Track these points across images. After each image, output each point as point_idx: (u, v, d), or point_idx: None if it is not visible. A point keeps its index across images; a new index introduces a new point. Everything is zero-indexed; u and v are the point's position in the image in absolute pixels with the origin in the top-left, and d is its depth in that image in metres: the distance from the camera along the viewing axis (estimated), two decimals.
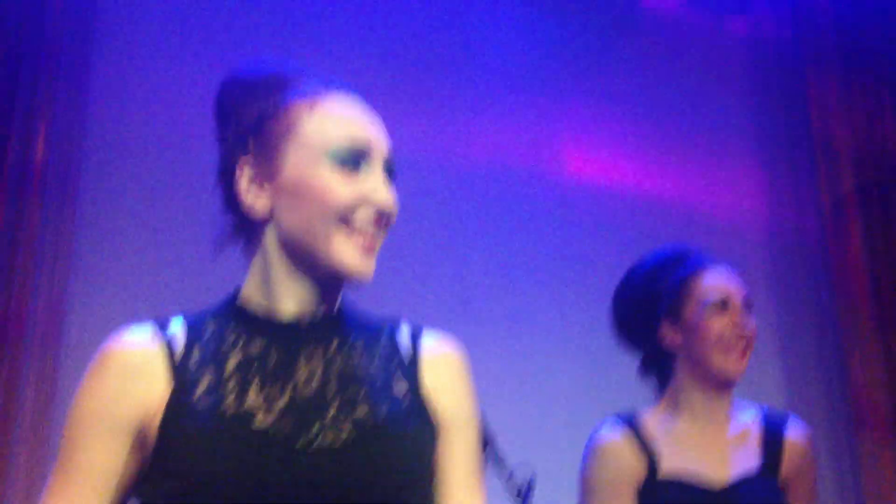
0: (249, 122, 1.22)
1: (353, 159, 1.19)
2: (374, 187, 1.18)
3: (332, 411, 1.15)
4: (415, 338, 1.28)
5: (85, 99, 3.04)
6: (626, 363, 2.13)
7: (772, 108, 3.78)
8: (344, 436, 1.13)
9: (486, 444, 2.27)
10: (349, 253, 1.16)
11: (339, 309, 1.26)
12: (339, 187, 1.17)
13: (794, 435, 1.91)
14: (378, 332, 1.27)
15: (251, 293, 1.23)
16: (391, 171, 1.23)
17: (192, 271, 2.74)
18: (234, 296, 1.25)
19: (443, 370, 1.26)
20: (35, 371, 2.79)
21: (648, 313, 1.94)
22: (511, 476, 2.21)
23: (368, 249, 1.18)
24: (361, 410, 1.16)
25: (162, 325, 1.22)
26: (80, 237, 2.93)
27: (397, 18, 3.43)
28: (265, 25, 3.28)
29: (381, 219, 1.19)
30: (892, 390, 3.35)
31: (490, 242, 3.40)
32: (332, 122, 1.20)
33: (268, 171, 1.20)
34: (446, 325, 3.09)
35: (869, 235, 3.53)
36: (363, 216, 1.17)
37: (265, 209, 1.20)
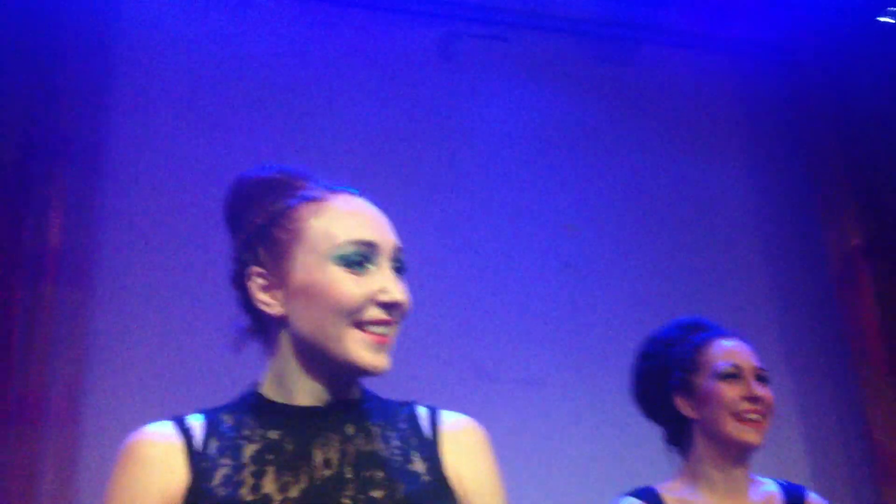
0: (257, 229, 1.27)
1: (360, 259, 1.22)
2: (383, 286, 1.22)
3: (348, 495, 1.16)
4: (433, 417, 1.30)
5: (99, 184, 3.09)
6: (648, 434, 2.13)
7: (771, 169, 3.82)
8: None
9: None
10: (362, 351, 1.20)
11: (361, 397, 1.29)
12: (347, 288, 1.20)
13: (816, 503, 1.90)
14: (395, 415, 1.29)
15: (268, 388, 1.27)
16: (400, 266, 1.27)
17: (209, 355, 2.76)
18: (252, 390, 1.29)
19: (464, 447, 1.27)
20: (53, 454, 2.79)
21: (663, 384, 1.95)
22: None
23: (381, 345, 1.21)
24: (379, 492, 1.17)
25: (180, 420, 1.26)
26: (96, 321, 2.96)
27: (397, 101, 3.49)
28: (278, 104, 3.34)
29: (392, 315, 1.22)
30: None
31: (504, 314, 3.41)
32: (338, 223, 1.24)
33: (278, 277, 1.24)
34: (463, 399, 3.14)
35: (879, 288, 3.53)
36: (373, 314, 1.21)
37: (279, 313, 1.25)
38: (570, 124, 3.66)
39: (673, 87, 3.83)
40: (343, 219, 1.24)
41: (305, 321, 1.22)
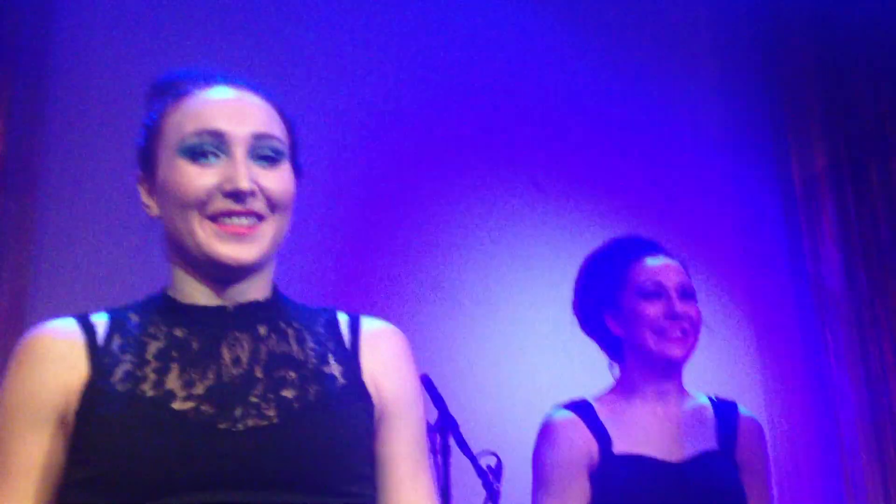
0: (139, 136, 1.27)
1: (205, 149, 1.19)
2: (228, 175, 1.18)
3: (257, 393, 1.14)
4: (353, 323, 1.27)
5: (44, 91, 3.02)
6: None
7: (741, 90, 3.77)
8: (270, 415, 1.12)
9: (451, 429, 2.27)
10: (215, 244, 1.17)
11: (270, 297, 1.26)
12: (188, 180, 1.18)
13: (747, 418, 1.93)
14: (313, 318, 1.26)
15: (173, 290, 1.25)
16: (268, 155, 1.21)
17: (152, 261, 2.71)
18: (159, 292, 1.27)
19: (384, 354, 1.25)
20: None
21: (594, 304, 1.97)
22: (477, 461, 2.22)
23: (238, 236, 1.17)
24: (289, 392, 1.15)
25: (83, 317, 1.22)
26: (41, 228, 2.91)
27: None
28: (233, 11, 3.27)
29: (247, 204, 1.18)
30: (869, 378, 3.34)
31: (472, 236, 3.39)
32: (188, 116, 1.21)
33: (151, 180, 1.25)
34: (418, 311, 3.14)
35: (841, 214, 3.52)
36: (220, 206, 1.17)
37: (156, 215, 1.25)
38: (540, 44, 3.60)
39: (646, 5, 3.76)
40: (194, 110, 1.21)
41: (168, 219, 1.21)
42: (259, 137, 1.21)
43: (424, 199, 3.39)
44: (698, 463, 1.83)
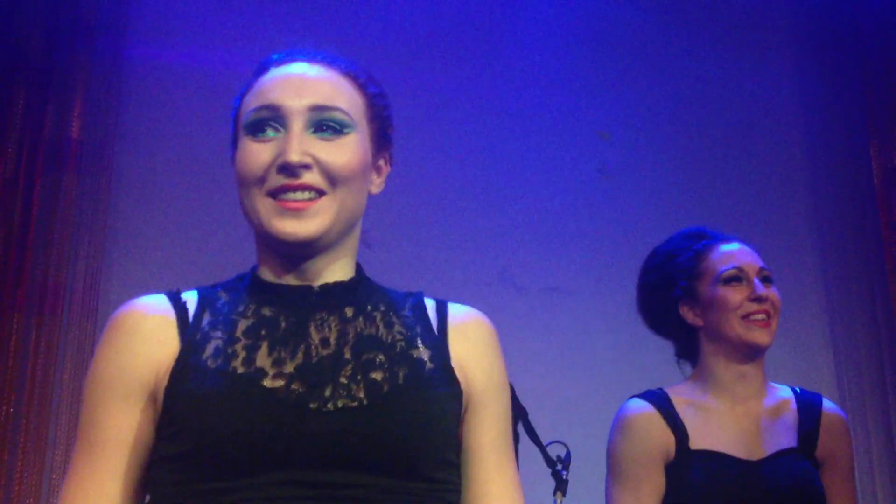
0: (230, 122, 1.27)
1: (262, 125, 1.18)
2: (281, 148, 1.16)
3: (346, 374, 1.13)
4: (441, 308, 1.25)
5: (121, 74, 3.06)
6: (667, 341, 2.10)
7: (820, 81, 3.67)
8: (360, 397, 1.11)
9: (520, 417, 2.25)
10: (273, 220, 1.16)
11: (355, 278, 1.24)
12: (249, 157, 1.17)
13: (831, 413, 1.87)
14: (400, 302, 1.25)
15: (261, 270, 1.24)
16: (329, 126, 1.18)
17: (227, 243, 2.75)
18: (248, 272, 1.26)
19: (472, 341, 1.23)
20: (73, 341, 2.82)
21: (667, 295, 1.94)
22: (546, 449, 2.19)
23: (295, 211, 1.15)
24: (378, 374, 1.14)
25: (174, 294, 1.22)
26: (117, 209, 2.96)
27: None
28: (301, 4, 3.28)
29: (301, 177, 1.15)
30: None
31: (533, 216, 3.37)
32: (253, 95, 1.21)
33: (233, 161, 1.24)
34: (486, 296, 3.13)
35: None
36: (276, 181, 1.16)
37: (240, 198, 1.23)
38: (613, 26, 3.56)
39: None
40: (259, 88, 1.21)
41: (240, 196, 1.20)
42: (318, 109, 1.18)
43: (492, 184, 3.38)
44: (776, 462, 1.78)
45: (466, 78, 3.39)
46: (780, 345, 3.22)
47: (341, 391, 1.11)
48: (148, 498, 1.15)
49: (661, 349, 2.15)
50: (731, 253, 1.89)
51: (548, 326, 3.29)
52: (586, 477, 2.12)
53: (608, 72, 3.52)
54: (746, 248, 1.92)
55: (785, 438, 1.82)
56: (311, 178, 1.16)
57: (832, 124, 3.64)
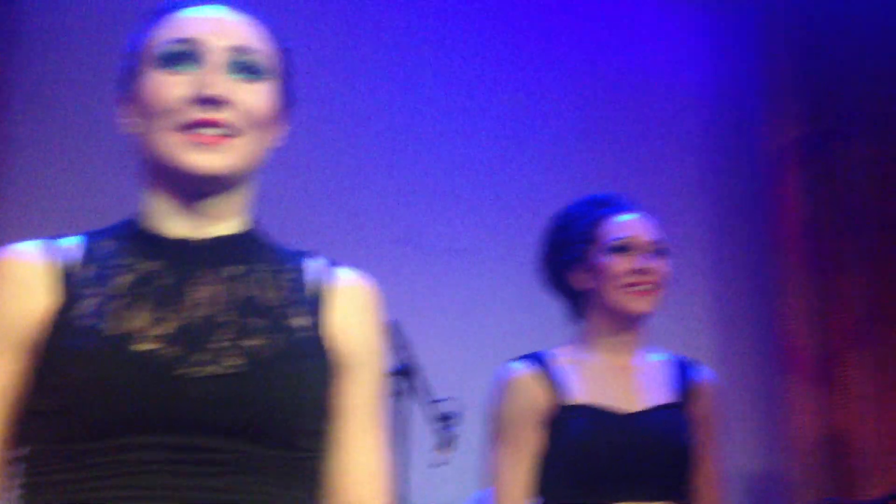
0: (122, 57, 1.23)
1: (178, 58, 1.16)
2: (201, 82, 1.14)
3: (220, 339, 1.12)
4: (325, 272, 1.24)
5: (19, 13, 2.98)
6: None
7: (723, 55, 3.78)
8: (230, 364, 1.11)
9: (412, 374, 2.31)
10: (183, 153, 1.13)
11: (243, 232, 1.23)
12: (162, 88, 1.14)
13: (704, 378, 1.97)
14: (286, 262, 1.24)
15: (145, 217, 1.21)
16: (248, 68, 1.17)
17: (125, 186, 2.72)
18: (132, 218, 1.23)
19: (352, 305, 1.23)
20: None
21: (560, 258, 2.00)
22: (434, 406, 2.26)
23: (208, 145, 1.13)
24: (252, 340, 1.13)
25: (53, 241, 1.18)
26: (13, 151, 2.89)
27: None
28: None
29: (220, 113, 1.13)
30: (821, 335, 3.44)
31: (436, 177, 3.40)
32: (165, 30, 1.18)
33: (131, 97, 1.20)
34: (389, 257, 3.16)
35: (808, 185, 3.58)
36: (192, 115, 1.13)
37: (133, 131, 1.20)
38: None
39: None
40: (173, 24, 1.18)
41: (144, 134, 1.17)
42: (238, 50, 1.17)
43: (396, 145, 3.40)
44: (652, 415, 1.87)
45: (369, 34, 3.39)
46: (666, 314, 3.36)
47: (211, 357, 1.11)
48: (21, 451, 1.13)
49: (561, 314, 2.22)
50: (626, 223, 1.95)
51: (450, 287, 3.34)
52: (482, 435, 2.18)
53: (509, 35, 3.56)
54: (643, 220, 1.98)
55: (662, 394, 1.91)
56: (229, 115, 1.14)
57: (731, 97, 3.76)
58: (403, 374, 2.27)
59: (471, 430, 2.30)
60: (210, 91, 1.13)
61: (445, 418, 2.24)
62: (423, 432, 2.37)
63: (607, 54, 3.66)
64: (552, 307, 2.21)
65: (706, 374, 1.99)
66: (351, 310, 1.23)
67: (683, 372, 1.97)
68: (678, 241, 3.43)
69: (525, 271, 3.08)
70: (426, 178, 3.39)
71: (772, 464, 3.47)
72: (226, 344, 1.12)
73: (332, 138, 3.29)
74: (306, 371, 1.15)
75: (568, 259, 1.98)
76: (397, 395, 2.27)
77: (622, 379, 1.92)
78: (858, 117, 3.67)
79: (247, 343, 1.13)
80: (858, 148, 3.64)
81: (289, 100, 1.26)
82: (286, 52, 1.26)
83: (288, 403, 1.11)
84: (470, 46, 3.53)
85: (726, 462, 3.38)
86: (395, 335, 2.26)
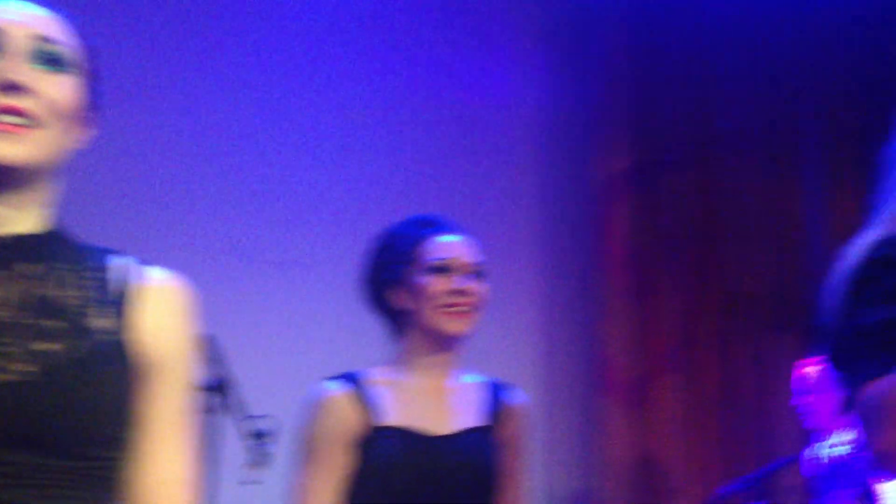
0: None
1: None
2: (3, 67, 1.11)
3: (9, 344, 1.07)
4: (132, 271, 1.20)
5: None
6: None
7: (555, 85, 3.89)
8: (19, 371, 1.06)
9: (227, 389, 2.27)
10: None
11: (49, 231, 1.18)
12: None
13: (515, 401, 2.02)
14: (90, 261, 1.19)
15: None
16: (50, 59, 1.15)
17: None
18: None
19: (160, 307, 1.19)
20: None
21: (382, 276, 2.02)
22: (248, 421, 2.23)
23: (6, 132, 1.09)
24: (47, 345, 1.09)
25: None
26: None
27: None
28: None
29: (21, 101, 1.10)
30: (637, 360, 3.59)
31: (267, 186, 3.37)
32: None
33: None
34: (215, 267, 3.09)
35: (633, 214, 3.73)
36: None
37: None
38: (356, 9, 3.59)
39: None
40: None
41: None
42: (42, 40, 1.15)
43: (224, 152, 3.34)
44: (461, 438, 1.91)
45: (198, 40, 3.32)
46: (492, 335, 3.42)
47: (2, 363, 1.06)
48: None
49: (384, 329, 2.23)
50: (447, 244, 1.98)
51: (274, 301, 3.31)
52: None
53: (346, 48, 3.57)
54: (464, 242, 2.01)
55: (472, 417, 1.95)
56: (32, 104, 1.10)
57: (566, 125, 3.88)
58: (217, 389, 2.22)
59: (287, 449, 2.28)
60: (12, 76, 1.10)
61: (259, 435, 2.21)
62: (235, 449, 2.32)
63: (447, 76, 3.71)
64: (375, 326, 2.22)
65: (518, 397, 2.04)
66: (160, 312, 1.19)
67: (496, 395, 2.01)
68: (507, 262, 3.55)
69: (349, 289, 3.09)
70: (257, 187, 3.35)
71: (586, 483, 3.58)
72: (14, 349, 1.07)
73: (159, 144, 3.21)
74: (105, 377, 1.11)
75: (388, 278, 2.00)
76: (210, 410, 2.22)
77: (435, 401, 1.95)
78: (680, 153, 3.86)
79: (40, 347, 1.08)
80: (679, 182, 3.83)
81: (95, 99, 1.22)
82: (92, 50, 1.23)
83: (82, 412, 1.07)
84: (305, 58, 3.51)
85: (543, 482, 3.54)
86: (211, 348, 2.21)
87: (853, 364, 1.32)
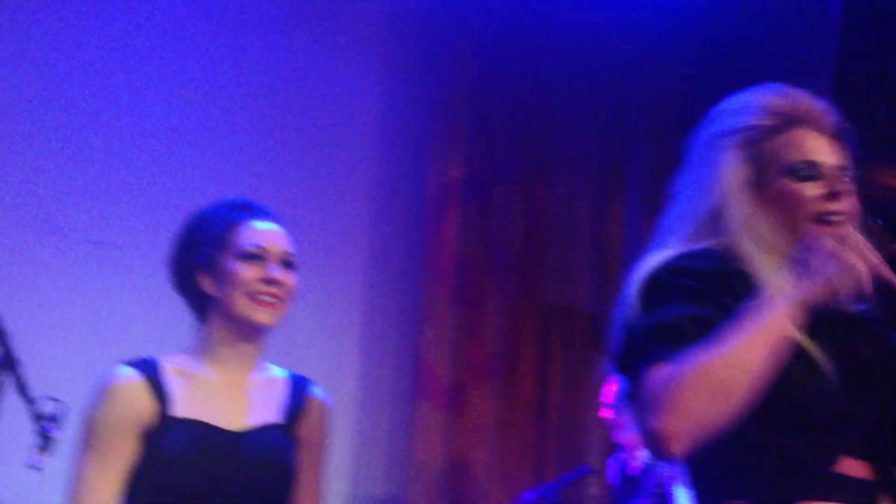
0: None
1: None
2: None
3: None
4: None
5: None
6: None
7: (396, 88, 3.90)
8: None
9: (12, 368, 2.14)
10: None
11: None
12: None
13: (317, 397, 1.98)
14: None
15: None
16: None
17: None
18: None
19: None
20: None
21: (190, 259, 1.94)
22: (37, 404, 2.11)
23: None
24: None
25: None
26: None
27: None
28: None
29: None
30: (455, 367, 3.63)
31: (83, 165, 3.22)
32: None
33: None
34: (27, 246, 2.93)
35: (462, 224, 3.77)
36: None
37: None
38: None
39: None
40: None
41: None
42: None
43: (38, 129, 3.19)
44: (257, 434, 1.84)
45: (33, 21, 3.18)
46: (311, 332, 3.38)
47: None
48: None
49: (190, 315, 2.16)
50: (260, 231, 1.92)
51: (88, 280, 3.17)
52: None
53: (175, 30, 3.47)
54: (278, 231, 1.96)
55: (270, 413, 1.89)
56: None
57: (403, 129, 3.89)
58: (2, 368, 2.09)
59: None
60: None
61: (47, 419, 2.09)
62: (19, 431, 2.20)
63: (285, 67, 3.65)
64: (182, 311, 2.15)
65: (320, 394, 2.00)
66: None
67: (299, 391, 1.96)
68: (332, 259, 3.53)
69: (159, 272, 2.99)
70: (72, 166, 3.20)
71: (394, 487, 3.58)
72: None
73: None
74: None
75: (197, 261, 1.92)
76: None
77: (233, 394, 1.88)
78: (513, 168, 3.94)
79: None
80: (509, 195, 3.90)
81: None
82: None
83: None
84: (134, 38, 3.40)
85: (351, 484, 3.52)
86: None
87: (635, 363, 1.37)
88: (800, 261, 1.35)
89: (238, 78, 3.54)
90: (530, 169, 3.96)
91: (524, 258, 3.88)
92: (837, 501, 1.37)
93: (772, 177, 1.45)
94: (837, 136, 1.50)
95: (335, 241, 3.55)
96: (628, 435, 3.09)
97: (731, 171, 1.44)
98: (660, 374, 1.31)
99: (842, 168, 1.47)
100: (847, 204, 1.44)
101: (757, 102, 1.50)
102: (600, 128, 4.03)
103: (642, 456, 3.00)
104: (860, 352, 1.41)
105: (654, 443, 1.30)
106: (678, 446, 1.29)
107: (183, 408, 1.82)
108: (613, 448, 3.23)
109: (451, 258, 3.73)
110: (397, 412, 3.61)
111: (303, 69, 3.69)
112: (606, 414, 3.24)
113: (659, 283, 1.41)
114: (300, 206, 3.40)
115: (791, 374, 1.33)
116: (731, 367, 1.28)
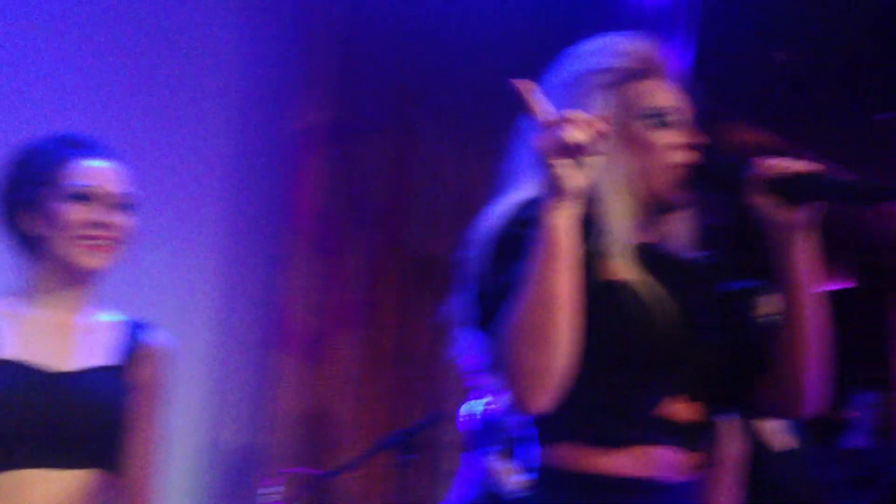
0: None
1: None
2: None
3: None
4: None
5: None
6: None
7: (259, 28, 3.77)
8: None
9: None
10: None
11: None
12: None
13: (156, 342, 1.91)
14: None
15: None
16: None
17: None
18: None
19: None
20: None
21: (15, 198, 1.83)
22: None
23: None
24: None
25: None
26: None
27: None
28: None
29: None
30: (316, 316, 3.59)
31: None
32: None
33: None
34: None
35: (325, 171, 3.71)
36: None
37: None
38: None
39: None
40: None
41: None
42: None
43: None
44: (86, 376, 1.78)
45: None
46: (167, 278, 3.26)
47: None
48: None
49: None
50: (92, 170, 1.81)
51: None
52: None
53: None
54: (114, 170, 1.85)
55: (101, 356, 1.83)
56: None
57: (267, 71, 3.77)
58: None
59: None
60: None
61: None
62: None
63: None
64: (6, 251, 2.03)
65: (159, 338, 1.93)
66: None
67: (133, 334, 1.89)
68: (190, 203, 3.40)
69: None
70: None
71: (253, 436, 3.53)
72: None
73: None
74: None
75: (22, 199, 1.81)
76: None
77: (61, 337, 1.81)
78: (380, 116, 3.89)
79: None
80: (375, 143, 3.86)
81: None
82: None
83: None
84: None
85: (210, 434, 3.44)
86: None
87: (488, 326, 1.35)
88: (541, 171, 1.30)
89: (90, 8, 3.35)
90: (398, 116, 3.92)
91: (388, 206, 3.86)
92: (660, 444, 1.39)
93: (627, 121, 1.46)
94: (689, 88, 1.52)
95: (192, 185, 3.43)
96: (480, 381, 3.12)
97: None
98: (511, 317, 1.30)
99: (692, 120, 1.49)
100: (694, 155, 1.46)
101: (618, 47, 1.51)
102: (472, 75, 4.01)
103: (493, 402, 3.03)
104: (688, 295, 1.42)
105: (518, 407, 1.30)
106: (537, 404, 1.29)
107: (5, 349, 1.73)
108: (467, 394, 3.26)
109: (312, 205, 3.67)
110: (258, 362, 3.55)
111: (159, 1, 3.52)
112: (461, 361, 3.26)
113: (508, 238, 1.40)
114: (156, 147, 3.26)
115: (618, 315, 1.35)
116: (538, 309, 1.27)
